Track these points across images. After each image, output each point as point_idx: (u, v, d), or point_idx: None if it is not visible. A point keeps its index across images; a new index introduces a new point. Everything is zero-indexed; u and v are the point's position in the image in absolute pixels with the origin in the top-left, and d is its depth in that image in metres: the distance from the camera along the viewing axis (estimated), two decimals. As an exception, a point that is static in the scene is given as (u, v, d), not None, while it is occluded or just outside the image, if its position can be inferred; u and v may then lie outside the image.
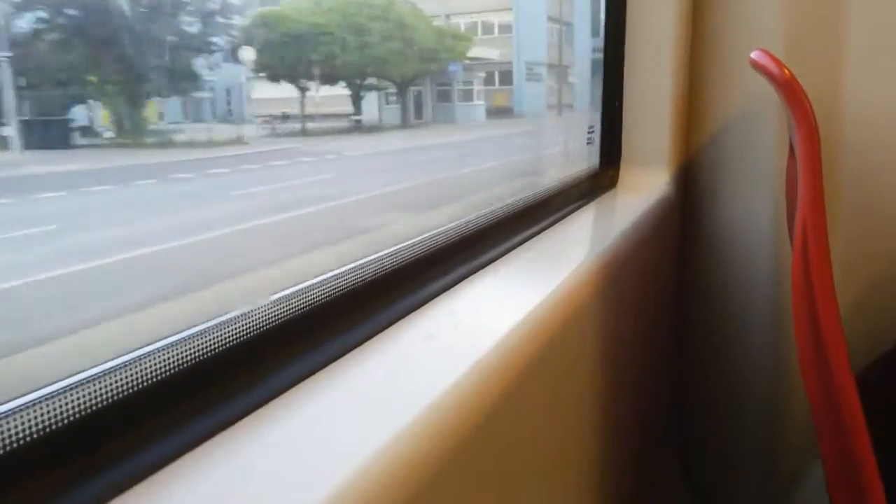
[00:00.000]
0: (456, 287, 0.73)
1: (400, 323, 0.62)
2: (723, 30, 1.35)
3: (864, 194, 1.26)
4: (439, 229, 0.84)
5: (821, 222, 0.73)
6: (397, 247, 0.74)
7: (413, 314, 0.64)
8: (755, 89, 1.27)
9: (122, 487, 0.37)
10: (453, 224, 0.87)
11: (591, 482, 0.92)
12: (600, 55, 1.46)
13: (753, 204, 1.32)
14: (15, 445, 0.36)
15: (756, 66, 0.89)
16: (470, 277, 0.77)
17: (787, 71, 0.82)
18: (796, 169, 0.82)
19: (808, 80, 0.81)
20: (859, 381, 0.68)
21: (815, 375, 0.71)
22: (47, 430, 0.38)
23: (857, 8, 1.22)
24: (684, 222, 1.46)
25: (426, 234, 0.81)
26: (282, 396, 0.48)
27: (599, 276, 0.85)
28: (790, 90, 0.80)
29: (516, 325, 0.62)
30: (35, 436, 0.37)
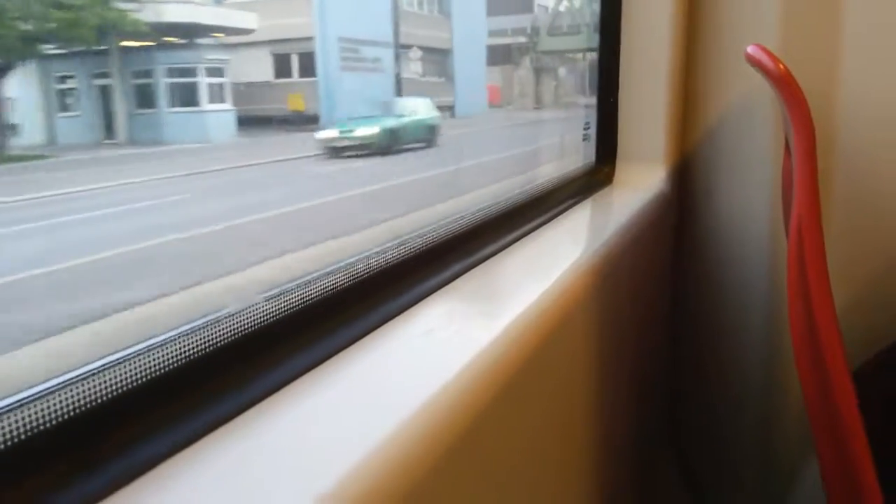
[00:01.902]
0: (453, 283, 0.73)
1: (398, 318, 0.62)
2: (719, 25, 1.35)
3: (860, 191, 1.26)
4: (436, 226, 0.84)
5: (816, 218, 0.73)
6: (393, 244, 0.74)
7: (410, 310, 0.64)
8: (751, 86, 1.27)
9: (121, 482, 0.37)
10: (450, 221, 0.87)
11: (589, 477, 0.92)
12: (503, 40, 1.32)
13: (749, 200, 1.32)
14: (15, 441, 0.36)
15: (752, 61, 0.89)
16: (467, 274, 0.77)
17: (782, 66, 0.81)
18: (792, 165, 0.82)
19: (804, 76, 0.80)
20: (855, 377, 0.68)
21: (811, 373, 0.71)
22: (48, 425, 0.37)
23: (854, 3, 1.22)
24: (680, 219, 1.46)
25: (423, 231, 0.81)
26: (281, 392, 0.47)
27: (596, 272, 0.85)
28: (786, 86, 0.80)
29: (513, 321, 0.62)
30: (35, 431, 0.37)
